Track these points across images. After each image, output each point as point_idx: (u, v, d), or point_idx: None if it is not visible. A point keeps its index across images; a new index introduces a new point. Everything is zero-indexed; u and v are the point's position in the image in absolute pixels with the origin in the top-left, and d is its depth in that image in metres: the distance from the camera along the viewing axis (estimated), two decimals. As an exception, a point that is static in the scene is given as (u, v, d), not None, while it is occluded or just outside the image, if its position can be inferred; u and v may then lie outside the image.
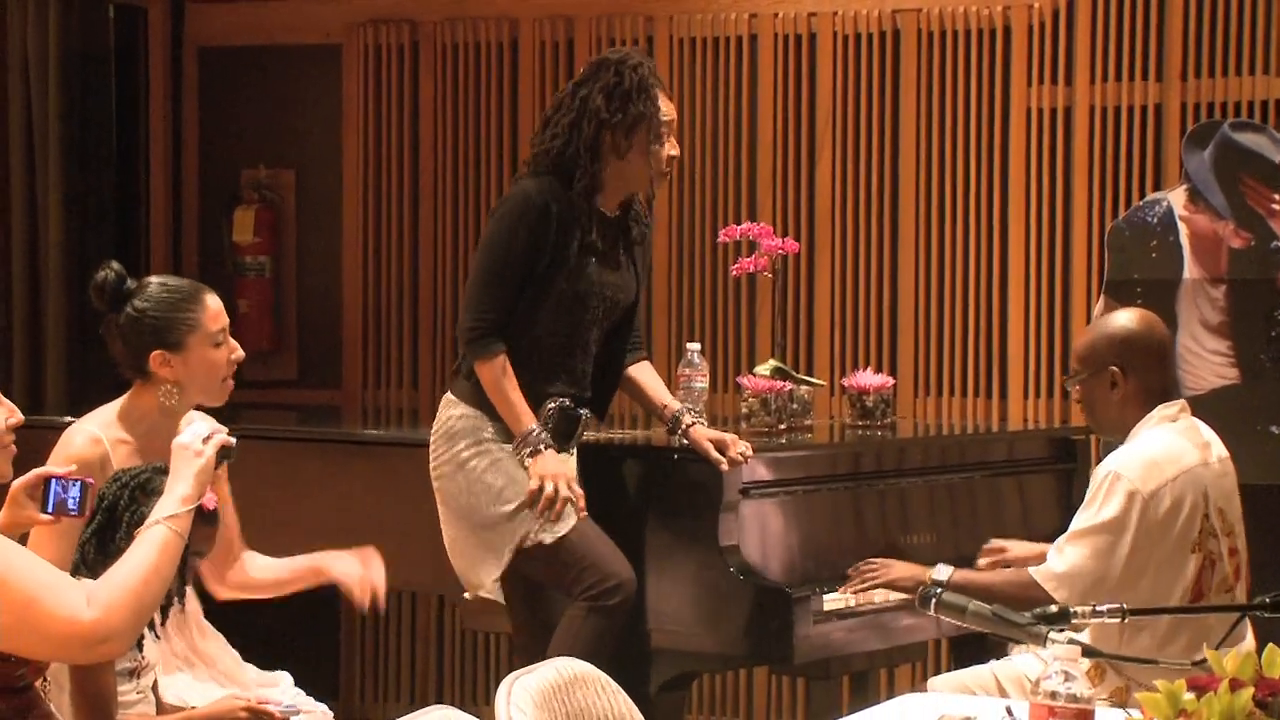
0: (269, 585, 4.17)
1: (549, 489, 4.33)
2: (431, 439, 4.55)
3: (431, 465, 4.54)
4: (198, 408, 3.97)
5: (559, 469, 4.37)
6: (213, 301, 3.92)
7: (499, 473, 4.43)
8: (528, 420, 4.39)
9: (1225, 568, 4.13)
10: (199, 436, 3.14)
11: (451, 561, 4.53)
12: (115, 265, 3.90)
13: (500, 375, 4.39)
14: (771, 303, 6.05)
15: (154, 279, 3.93)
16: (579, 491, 4.38)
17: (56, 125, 7.18)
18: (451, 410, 4.52)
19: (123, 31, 7.21)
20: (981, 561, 4.52)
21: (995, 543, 4.62)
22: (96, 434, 3.81)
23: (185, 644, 3.98)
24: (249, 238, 7.03)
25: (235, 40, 7.15)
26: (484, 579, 4.46)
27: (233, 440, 3.22)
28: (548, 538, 4.36)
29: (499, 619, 4.66)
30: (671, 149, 4.52)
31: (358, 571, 4.04)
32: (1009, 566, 4.43)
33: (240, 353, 3.96)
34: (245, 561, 4.15)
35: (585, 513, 4.37)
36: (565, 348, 4.50)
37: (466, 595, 4.56)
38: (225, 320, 3.94)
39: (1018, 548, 4.57)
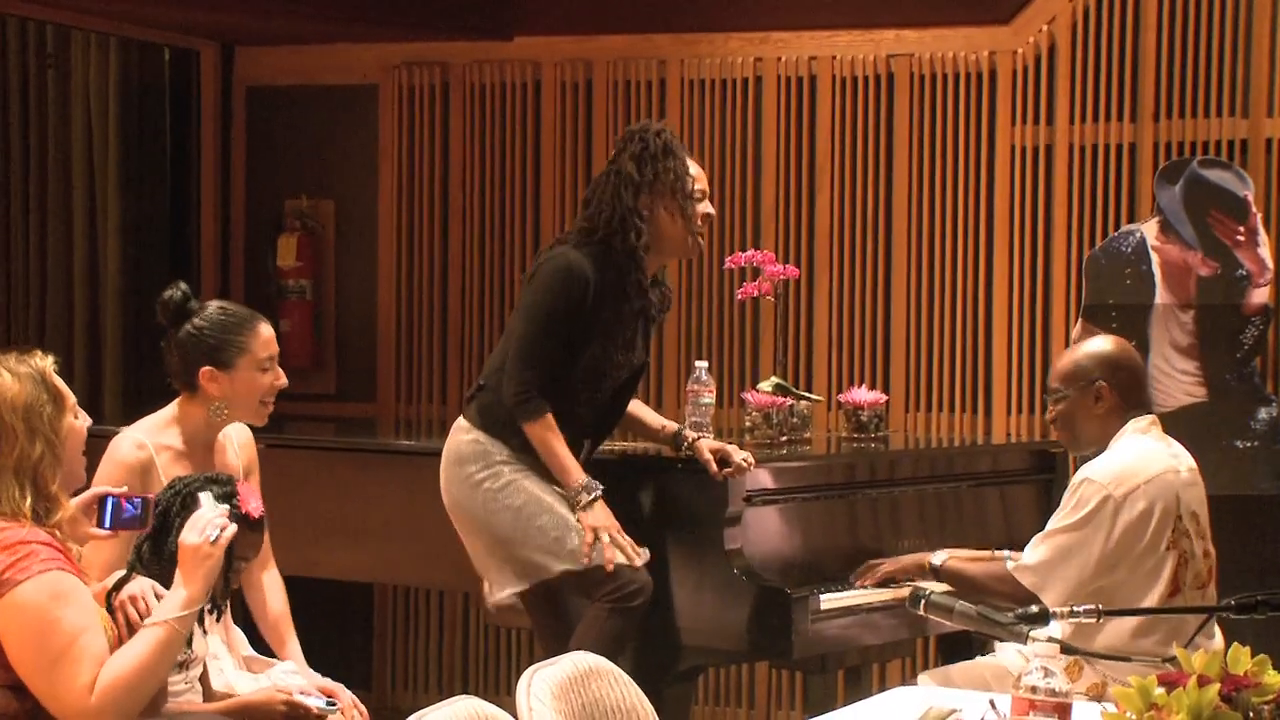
0: (261, 623, 4.05)
1: (605, 539, 4.25)
2: (442, 462, 4.48)
3: (443, 486, 4.47)
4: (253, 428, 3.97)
5: (609, 520, 4.29)
6: (265, 330, 3.91)
7: (515, 492, 4.35)
8: (578, 474, 4.30)
9: (1199, 565, 4.12)
10: (207, 538, 3.11)
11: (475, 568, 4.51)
12: (183, 285, 3.90)
13: (548, 433, 4.30)
14: (774, 324, 6.06)
15: (215, 302, 3.94)
16: (629, 540, 4.29)
17: (115, 158, 7.21)
18: (462, 435, 4.44)
19: (177, 72, 7.23)
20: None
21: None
22: (142, 440, 3.81)
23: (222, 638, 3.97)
24: (291, 262, 7.03)
25: (280, 81, 7.16)
26: (503, 590, 4.43)
27: (234, 527, 3.17)
28: (573, 565, 4.30)
29: (520, 616, 4.65)
30: (706, 208, 4.45)
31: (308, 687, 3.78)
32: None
33: (284, 381, 3.93)
34: (265, 585, 4.05)
35: (646, 552, 4.29)
36: (578, 406, 4.41)
37: (490, 605, 4.50)
38: (275, 349, 3.92)
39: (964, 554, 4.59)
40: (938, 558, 4.39)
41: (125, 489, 3.33)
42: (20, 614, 2.92)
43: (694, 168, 4.46)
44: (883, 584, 4.51)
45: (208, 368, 3.82)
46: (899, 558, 4.55)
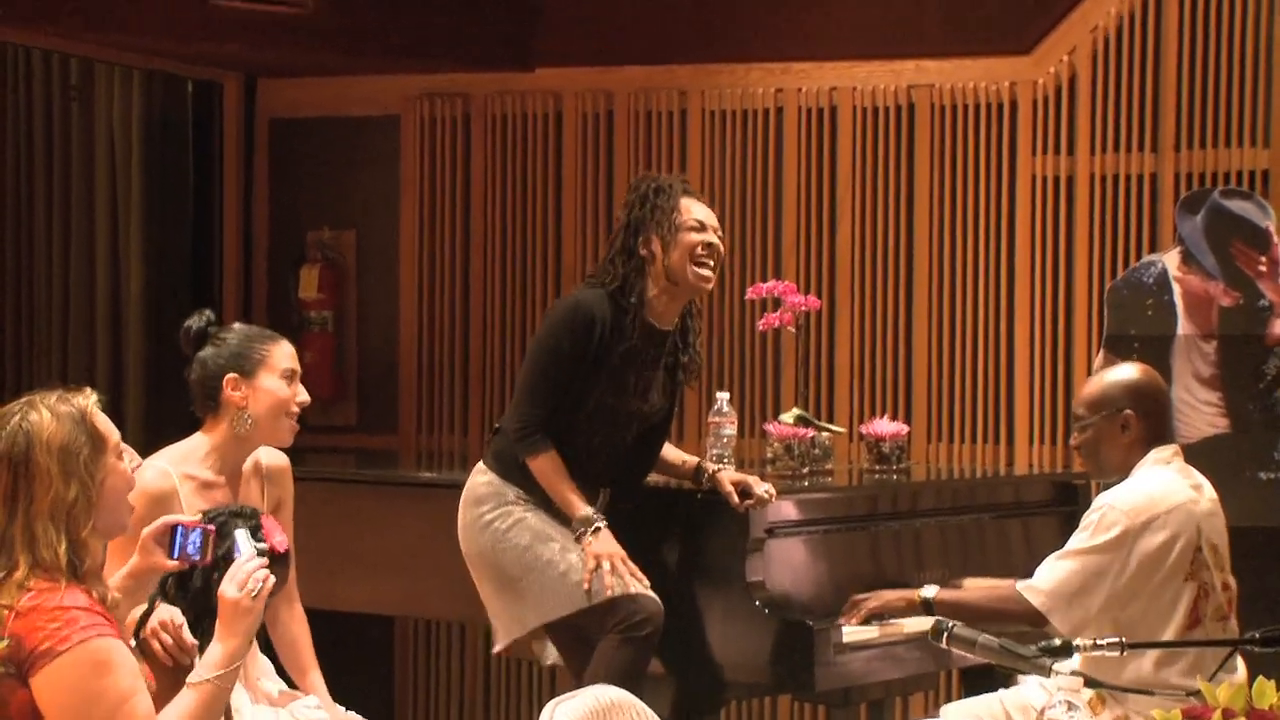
0: (285, 659, 4.06)
1: (606, 567, 4.26)
2: (460, 506, 4.49)
3: (459, 529, 4.49)
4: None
5: (613, 548, 4.30)
6: (285, 345, 3.96)
7: (523, 530, 4.37)
8: (581, 506, 4.32)
9: (1219, 597, 4.10)
10: (249, 592, 3.04)
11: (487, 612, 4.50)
12: (208, 313, 3.94)
13: (550, 468, 4.33)
14: (795, 355, 6.05)
15: (237, 324, 4.01)
16: (632, 567, 4.29)
17: (139, 189, 7.25)
18: (478, 477, 4.47)
19: (200, 104, 7.27)
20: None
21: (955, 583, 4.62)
22: (166, 469, 3.81)
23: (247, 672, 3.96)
24: (313, 294, 7.04)
25: (303, 112, 7.19)
26: (513, 632, 4.43)
27: (274, 578, 3.11)
28: (580, 604, 4.29)
29: (540, 649, 4.64)
30: (708, 238, 4.40)
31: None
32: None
33: (306, 397, 3.95)
34: (289, 621, 4.06)
35: (646, 582, 4.29)
36: (590, 455, 4.41)
37: (496, 648, 4.51)
38: (296, 365, 3.95)
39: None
40: (929, 591, 4.31)
41: (197, 516, 3.32)
42: (62, 687, 2.86)
43: (695, 205, 4.45)
44: (867, 620, 4.45)
45: (232, 375, 3.84)
46: (882, 593, 4.47)
